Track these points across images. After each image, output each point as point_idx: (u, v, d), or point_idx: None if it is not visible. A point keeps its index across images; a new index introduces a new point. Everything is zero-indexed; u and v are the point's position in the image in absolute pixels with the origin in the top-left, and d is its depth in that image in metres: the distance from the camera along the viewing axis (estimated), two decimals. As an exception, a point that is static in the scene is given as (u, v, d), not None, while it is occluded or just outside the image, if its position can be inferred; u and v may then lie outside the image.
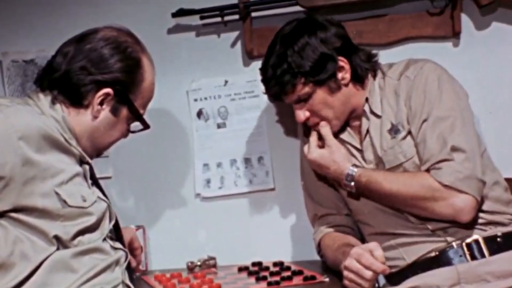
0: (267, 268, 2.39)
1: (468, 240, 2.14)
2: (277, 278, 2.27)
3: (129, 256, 2.01)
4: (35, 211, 1.80)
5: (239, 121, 2.63)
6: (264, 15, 2.58)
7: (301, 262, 2.45)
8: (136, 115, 2.01)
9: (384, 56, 2.51)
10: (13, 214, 1.80)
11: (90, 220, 1.88)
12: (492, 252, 2.13)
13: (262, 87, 2.30)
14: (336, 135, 2.28)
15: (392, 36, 2.52)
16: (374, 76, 2.28)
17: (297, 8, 2.52)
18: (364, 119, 2.25)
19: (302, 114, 2.25)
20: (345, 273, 2.05)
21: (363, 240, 2.34)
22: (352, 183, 2.19)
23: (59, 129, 1.89)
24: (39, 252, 1.81)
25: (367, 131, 2.24)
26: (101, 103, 1.95)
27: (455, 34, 2.50)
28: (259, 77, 2.30)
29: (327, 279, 2.24)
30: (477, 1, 2.46)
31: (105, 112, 1.96)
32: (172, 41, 2.64)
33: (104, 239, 1.92)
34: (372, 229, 2.27)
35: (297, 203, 2.58)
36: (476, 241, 2.14)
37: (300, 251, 2.57)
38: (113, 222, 1.97)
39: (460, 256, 2.14)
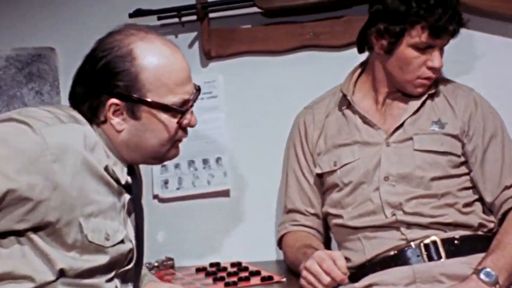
0: (225, 269, 2.39)
1: (427, 241, 2.18)
2: (235, 279, 2.28)
3: None
4: (53, 233, 1.70)
5: (197, 122, 2.62)
6: (221, 16, 2.59)
7: (259, 263, 2.45)
8: (160, 108, 1.78)
9: (340, 58, 2.55)
10: (30, 234, 1.70)
11: (103, 260, 1.76)
12: (448, 254, 2.17)
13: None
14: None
15: (349, 38, 2.53)
16: None
17: (255, 9, 2.53)
18: (412, 103, 2.27)
19: (441, 60, 2.22)
20: (304, 273, 2.06)
21: (326, 243, 2.38)
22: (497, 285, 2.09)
23: (105, 150, 1.78)
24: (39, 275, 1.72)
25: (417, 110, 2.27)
26: (116, 115, 1.78)
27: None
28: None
29: (284, 279, 2.25)
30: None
31: (127, 121, 1.79)
32: (129, 42, 2.62)
33: (112, 279, 1.80)
34: (341, 221, 2.28)
35: (255, 204, 2.59)
36: (434, 243, 2.18)
37: (258, 252, 2.57)
38: (131, 265, 1.85)
39: (418, 256, 2.17)
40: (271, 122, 2.58)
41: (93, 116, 1.79)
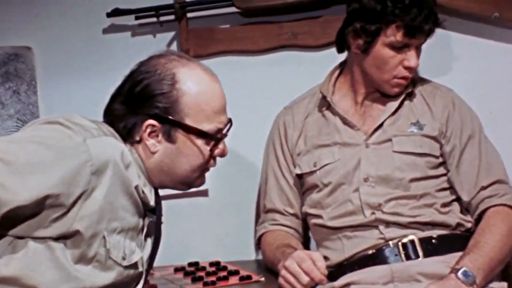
0: (203, 268, 2.39)
1: (404, 240, 2.19)
2: (213, 278, 2.28)
3: None
4: (77, 244, 1.69)
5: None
6: (200, 16, 2.58)
7: (238, 262, 2.45)
8: (196, 133, 1.81)
9: (319, 58, 2.56)
10: (51, 242, 1.69)
11: (110, 279, 1.76)
12: (426, 253, 2.18)
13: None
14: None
15: (327, 38, 2.54)
16: None
17: (233, 9, 2.53)
18: (390, 103, 2.28)
19: (417, 60, 2.22)
20: (283, 272, 2.07)
21: (305, 242, 2.39)
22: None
23: (137, 171, 1.79)
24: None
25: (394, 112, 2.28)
26: (151, 136, 1.80)
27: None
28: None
29: (262, 279, 2.26)
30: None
31: (162, 144, 1.81)
32: (107, 41, 2.62)
33: None
34: (320, 221, 2.28)
35: (233, 203, 2.60)
36: (412, 242, 2.19)
37: (236, 251, 2.57)
38: (139, 286, 1.85)
39: (396, 255, 2.19)
40: (250, 122, 2.57)
41: (128, 136, 1.80)
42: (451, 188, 2.27)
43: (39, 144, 1.68)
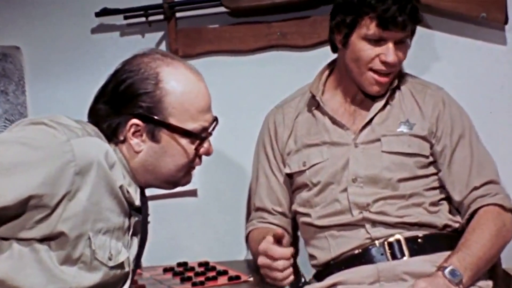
0: (192, 269, 2.39)
1: (391, 239, 2.20)
2: (202, 279, 2.28)
3: None
4: (62, 245, 1.69)
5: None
6: (188, 16, 2.58)
7: (226, 262, 2.45)
8: (181, 132, 1.80)
9: (307, 58, 2.56)
10: (36, 244, 1.69)
11: (96, 279, 1.75)
12: (412, 253, 2.19)
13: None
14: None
15: (316, 38, 2.55)
16: None
17: (222, 9, 2.53)
18: (377, 102, 2.27)
19: (394, 56, 2.19)
20: (261, 271, 2.08)
21: (294, 241, 2.41)
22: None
23: (122, 171, 1.78)
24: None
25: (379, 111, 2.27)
26: (135, 136, 1.79)
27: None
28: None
29: (251, 279, 2.26)
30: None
31: (146, 143, 1.80)
32: (96, 41, 2.61)
33: None
34: (308, 220, 2.29)
35: (222, 203, 2.60)
36: (398, 241, 2.20)
37: (225, 251, 2.58)
38: (126, 286, 1.84)
39: (382, 254, 2.19)
40: (238, 122, 2.58)
41: (113, 135, 1.80)
42: (441, 187, 2.27)
43: (23, 144, 1.67)
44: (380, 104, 2.27)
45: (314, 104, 2.33)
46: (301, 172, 2.31)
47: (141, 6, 2.54)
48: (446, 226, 2.24)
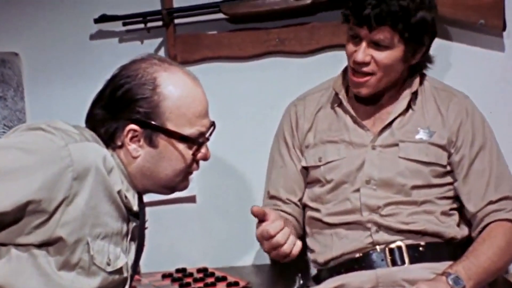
0: (191, 275, 2.39)
1: (392, 246, 2.19)
2: (201, 285, 2.29)
3: None
4: (60, 250, 1.68)
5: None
6: (187, 22, 2.58)
7: (225, 268, 2.46)
8: (178, 138, 1.79)
9: (306, 64, 2.57)
10: (34, 249, 1.68)
11: (94, 285, 1.75)
12: (412, 260, 2.18)
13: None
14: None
15: (314, 44, 2.55)
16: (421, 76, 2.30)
17: (220, 15, 2.53)
18: (397, 105, 2.25)
19: (363, 55, 2.15)
20: (271, 256, 2.03)
21: (303, 234, 2.36)
22: None
23: (120, 176, 1.77)
24: None
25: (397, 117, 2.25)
26: (133, 141, 1.79)
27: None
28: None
29: (250, 285, 2.26)
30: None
31: (143, 148, 1.79)
32: (94, 47, 2.61)
33: None
34: (318, 215, 2.28)
35: (221, 209, 2.60)
36: (399, 248, 2.19)
37: (224, 257, 2.58)
38: None
39: (382, 260, 2.19)
40: (237, 128, 2.58)
41: (110, 141, 1.79)
42: (454, 197, 2.25)
43: (21, 150, 1.67)
44: (400, 107, 2.25)
45: (336, 101, 2.31)
46: (316, 167, 2.29)
47: (140, 12, 2.55)
48: (452, 238, 2.22)
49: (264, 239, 1.97)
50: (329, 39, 2.56)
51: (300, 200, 2.34)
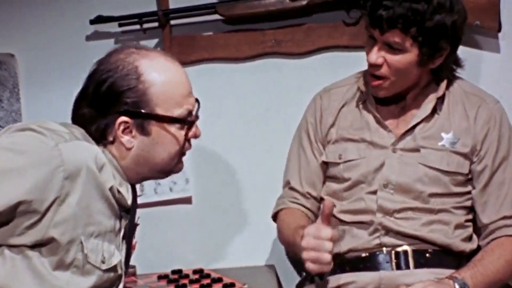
0: (187, 276, 2.39)
1: (398, 249, 2.18)
2: (197, 286, 2.29)
3: None
4: (54, 251, 1.69)
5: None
6: (183, 23, 2.58)
7: (221, 270, 2.46)
8: (169, 121, 1.80)
9: (302, 65, 2.57)
10: (27, 250, 1.69)
11: (90, 283, 1.75)
12: (417, 265, 2.17)
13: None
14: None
15: (310, 45, 2.55)
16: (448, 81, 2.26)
17: (216, 16, 2.54)
18: (422, 109, 2.22)
19: (375, 56, 2.13)
20: (305, 254, 2.02)
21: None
22: None
23: (112, 171, 1.78)
24: None
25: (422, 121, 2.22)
26: (125, 133, 1.79)
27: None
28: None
29: (246, 286, 2.26)
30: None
31: (136, 138, 1.80)
32: (90, 49, 2.61)
33: None
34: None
35: (217, 210, 2.60)
36: (405, 252, 2.18)
37: (219, 259, 2.58)
38: None
39: (387, 262, 2.18)
40: (232, 129, 2.58)
41: (102, 137, 1.79)
42: (471, 207, 2.23)
43: (11, 151, 1.68)
44: (425, 111, 2.22)
45: (361, 98, 2.28)
46: (336, 164, 2.27)
47: (136, 13, 2.54)
48: (460, 252, 2.21)
49: (314, 236, 1.99)
50: (325, 40, 2.56)
51: (318, 195, 2.33)
